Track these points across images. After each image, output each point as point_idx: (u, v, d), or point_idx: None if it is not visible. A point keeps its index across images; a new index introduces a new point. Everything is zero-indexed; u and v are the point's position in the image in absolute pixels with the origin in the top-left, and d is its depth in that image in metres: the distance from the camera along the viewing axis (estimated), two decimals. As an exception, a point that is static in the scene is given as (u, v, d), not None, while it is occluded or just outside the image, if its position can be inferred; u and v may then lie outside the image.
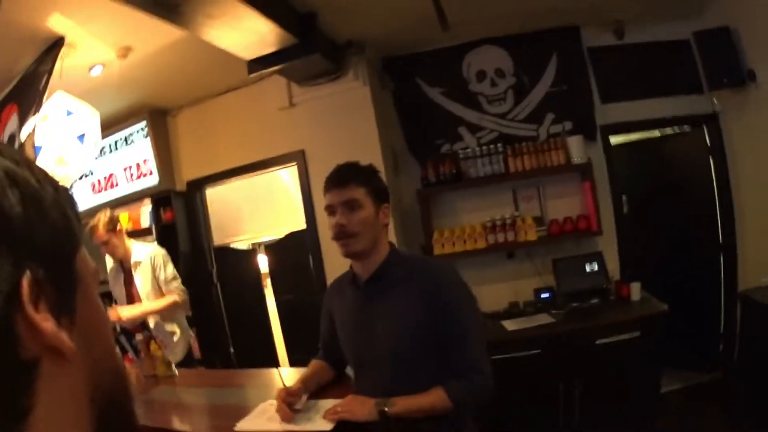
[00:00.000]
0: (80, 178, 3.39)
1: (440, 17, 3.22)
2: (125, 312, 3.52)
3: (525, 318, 3.91)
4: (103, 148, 5.27)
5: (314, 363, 2.22)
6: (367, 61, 4.09)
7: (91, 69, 3.68)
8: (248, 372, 3.05)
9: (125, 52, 3.52)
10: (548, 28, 4.23)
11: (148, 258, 3.68)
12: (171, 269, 3.74)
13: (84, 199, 5.63)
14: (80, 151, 3.13)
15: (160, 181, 5.08)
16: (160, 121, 5.16)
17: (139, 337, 3.19)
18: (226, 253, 5.48)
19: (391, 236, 3.95)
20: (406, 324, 1.75)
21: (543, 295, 4.11)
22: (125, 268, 3.73)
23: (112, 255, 3.70)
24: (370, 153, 3.92)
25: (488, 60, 4.33)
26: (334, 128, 4.27)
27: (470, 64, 4.35)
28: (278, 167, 4.75)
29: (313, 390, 2.07)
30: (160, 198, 5.25)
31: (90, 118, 3.21)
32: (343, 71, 4.04)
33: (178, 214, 5.22)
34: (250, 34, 3.10)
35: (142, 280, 3.66)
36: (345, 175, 1.83)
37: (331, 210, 1.81)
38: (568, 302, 3.96)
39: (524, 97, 4.31)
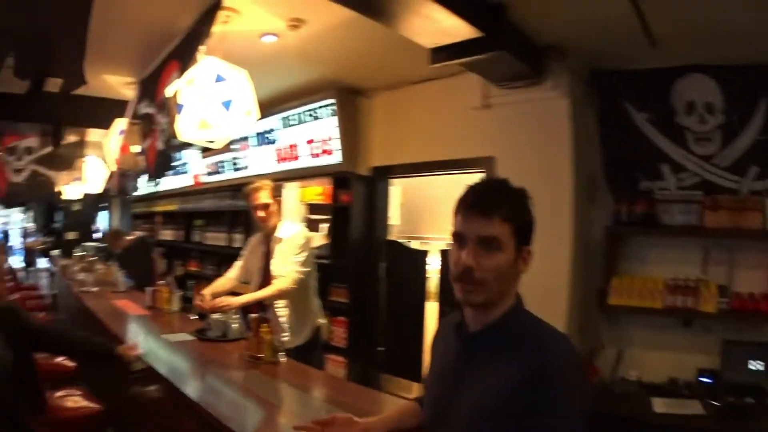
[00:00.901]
0: (231, 143, 3.38)
1: (644, 28, 2.96)
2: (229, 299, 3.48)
3: (677, 400, 3.44)
4: (288, 117, 5.45)
5: (406, 403, 2.00)
6: (568, 70, 3.69)
7: (262, 37, 3.74)
8: (360, 389, 2.81)
9: (297, 23, 3.51)
10: (763, 63, 3.42)
11: (291, 237, 3.60)
12: (303, 256, 3.55)
13: (267, 165, 5.93)
14: (225, 117, 3.12)
15: (342, 161, 5.08)
16: (349, 100, 5.13)
17: (253, 315, 3.17)
18: (397, 249, 5.37)
19: (567, 272, 3.69)
20: (487, 410, 1.36)
21: (704, 379, 3.54)
22: (268, 240, 3.69)
23: (264, 223, 3.63)
24: (561, 173, 3.71)
25: (698, 90, 3.65)
26: (526, 138, 3.95)
27: (680, 92, 3.69)
28: (466, 170, 4.45)
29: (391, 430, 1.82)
30: (340, 178, 5.27)
31: (241, 86, 3.18)
32: (542, 77, 3.73)
33: (356, 199, 5.19)
34: (427, 21, 2.93)
35: (280, 258, 3.59)
36: (491, 202, 1.40)
37: (459, 240, 1.41)
38: (727, 394, 3.34)
39: (732, 140, 3.59)
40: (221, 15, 3.28)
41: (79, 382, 3.64)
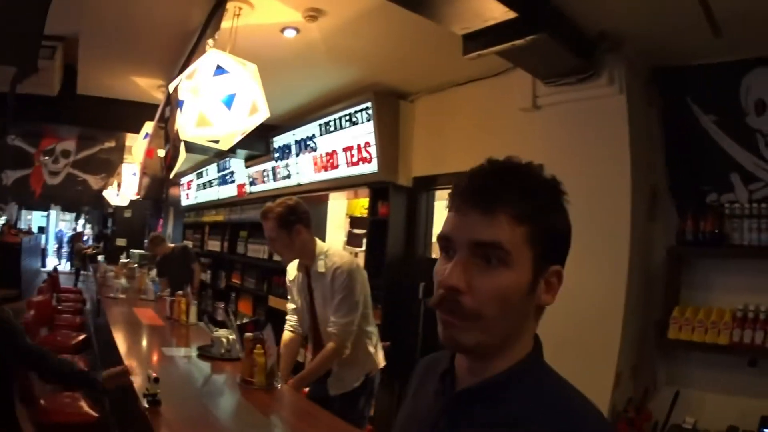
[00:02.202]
0: (233, 141, 3.20)
1: (706, 13, 2.62)
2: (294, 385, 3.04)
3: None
4: (328, 122, 5.29)
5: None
6: (625, 62, 3.30)
7: (282, 30, 3.61)
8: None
9: (314, 14, 3.34)
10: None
11: (329, 271, 3.01)
12: (351, 298, 2.96)
13: (307, 174, 5.78)
14: (226, 114, 2.95)
15: (379, 170, 4.83)
16: (388, 103, 4.87)
17: (248, 335, 2.94)
18: (438, 268, 5.08)
19: (622, 301, 3.29)
20: None
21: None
22: (308, 272, 3.14)
23: (281, 256, 3.18)
24: (618, 184, 3.29)
25: (768, 87, 3.25)
26: (579, 144, 3.56)
27: (749, 89, 3.25)
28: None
29: None
30: (377, 189, 5.03)
31: (246, 81, 3.00)
32: (596, 72, 3.32)
33: (395, 212, 4.92)
34: (454, 1, 2.69)
35: (321, 298, 3.08)
36: (494, 191, 0.92)
37: (446, 246, 0.95)
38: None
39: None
40: (232, 8, 3.17)
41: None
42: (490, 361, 0.95)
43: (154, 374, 2.40)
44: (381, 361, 3.22)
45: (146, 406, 2.35)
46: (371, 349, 3.15)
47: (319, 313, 3.07)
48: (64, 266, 18.38)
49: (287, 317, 3.32)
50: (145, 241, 13.47)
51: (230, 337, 3.37)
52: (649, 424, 3.30)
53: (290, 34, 3.65)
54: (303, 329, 3.25)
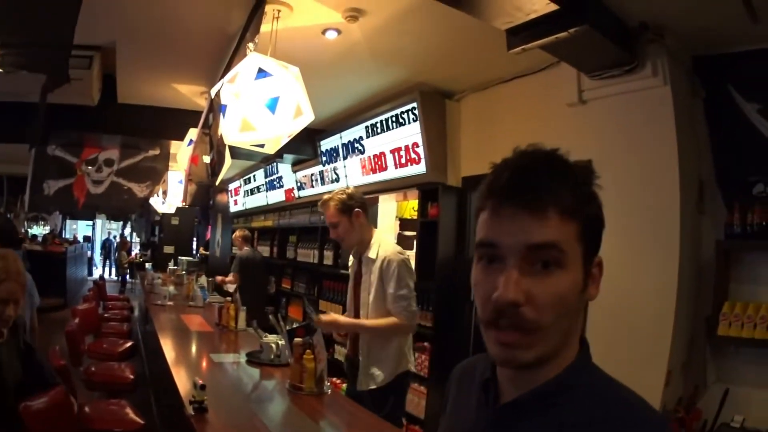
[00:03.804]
0: (279, 145, 3.26)
1: (744, 1, 2.59)
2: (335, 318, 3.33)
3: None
4: (374, 124, 5.33)
5: None
6: (668, 52, 3.27)
7: (324, 32, 3.66)
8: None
9: (354, 14, 3.38)
10: None
11: (379, 259, 3.22)
12: (405, 282, 3.16)
13: (355, 177, 5.83)
14: (270, 117, 3.01)
15: (427, 171, 4.86)
16: (434, 103, 4.89)
17: (298, 340, 2.99)
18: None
19: (674, 297, 3.26)
20: None
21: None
22: (360, 261, 3.38)
23: (341, 242, 3.43)
24: (666, 177, 3.24)
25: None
26: (625, 137, 3.54)
27: None
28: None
29: None
30: (427, 190, 5.06)
31: (289, 84, 3.05)
32: (639, 63, 3.32)
33: (444, 213, 4.94)
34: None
35: (367, 285, 3.30)
36: (542, 185, 0.86)
37: (490, 253, 0.88)
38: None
39: None
40: (271, 11, 3.24)
41: (133, 396, 3.71)
42: (540, 369, 0.90)
43: (200, 381, 2.44)
44: (412, 362, 3.34)
45: (191, 413, 2.40)
46: (404, 348, 3.25)
47: (362, 297, 3.28)
48: (112, 275, 18.97)
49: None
50: (194, 247, 13.89)
51: (279, 342, 3.42)
52: (699, 423, 3.25)
53: (332, 35, 3.70)
54: (348, 313, 3.48)
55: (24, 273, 2.45)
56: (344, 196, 3.23)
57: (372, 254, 3.24)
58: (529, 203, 0.84)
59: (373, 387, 3.16)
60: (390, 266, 3.15)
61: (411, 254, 5.48)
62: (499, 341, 0.86)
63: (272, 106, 3.00)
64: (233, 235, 8.25)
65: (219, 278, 7.39)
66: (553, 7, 2.71)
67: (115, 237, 23.44)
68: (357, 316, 3.32)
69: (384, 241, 3.34)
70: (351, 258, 3.52)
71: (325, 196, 3.29)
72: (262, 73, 2.99)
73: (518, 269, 0.84)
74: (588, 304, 0.96)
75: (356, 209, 3.23)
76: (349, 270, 3.53)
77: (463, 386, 1.13)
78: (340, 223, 3.23)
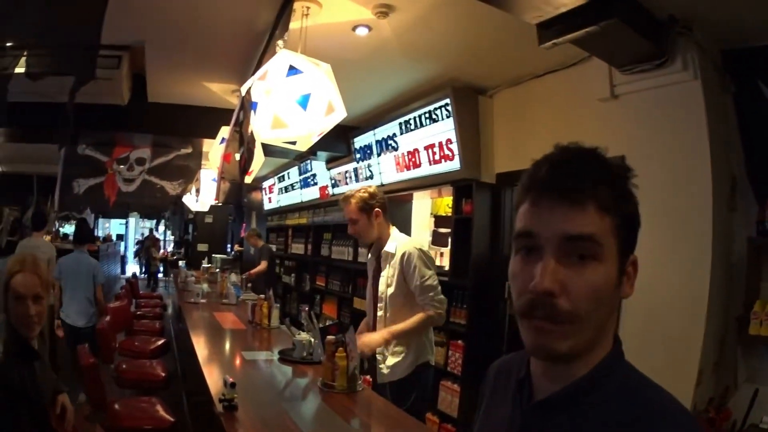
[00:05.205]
0: (311, 142, 3.31)
1: None
2: (366, 342, 3.24)
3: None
4: (407, 121, 5.35)
5: None
6: (697, 46, 3.25)
7: (354, 29, 3.69)
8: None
9: (384, 10, 3.40)
10: None
11: (399, 253, 3.34)
12: (428, 273, 3.26)
13: (389, 174, 5.86)
14: (301, 114, 3.04)
15: (461, 168, 4.87)
16: (467, 99, 4.91)
17: (330, 338, 3.01)
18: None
19: (706, 296, 3.22)
20: None
21: None
22: (378, 257, 3.50)
23: (358, 238, 3.57)
24: (698, 173, 3.23)
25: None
26: (656, 133, 3.54)
27: None
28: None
29: None
30: (461, 186, 5.07)
31: (320, 80, 3.09)
32: (669, 57, 3.31)
33: (478, 209, 4.95)
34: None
35: (386, 278, 3.40)
36: (582, 178, 0.89)
37: (527, 244, 0.92)
38: None
39: None
40: (300, 8, 3.28)
41: (164, 394, 3.77)
42: (573, 365, 0.92)
43: (231, 379, 2.47)
44: (433, 354, 3.42)
45: (221, 411, 2.43)
46: (424, 340, 3.35)
47: (380, 291, 3.41)
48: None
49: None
50: (228, 245, 14.08)
51: (312, 340, 3.47)
52: (728, 423, 3.21)
53: (362, 32, 3.74)
54: (367, 312, 3.60)
55: (43, 266, 2.38)
56: (366, 194, 3.35)
57: (390, 248, 3.38)
58: (568, 195, 0.88)
59: (394, 379, 3.26)
60: (411, 260, 3.27)
61: (446, 251, 5.52)
62: (532, 328, 0.89)
63: (303, 102, 3.04)
64: (245, 236, 8.56)
65: (251, 272, 7.55)
66: (582, 0, 2.73)
67: (143, 234, 23.80)
68: (374, 313, 3.43)
69: (401, 237, 3.47)
70: (369, 256, 3.66)
71: (347, 193, 3.44)
72: (293, 70, 3.03)
73: (555, 259, 0.87)
74: (621, 304, 0.97)
75: (376, 209, 3.36)
76: (368, 269, 3.66)
77: (499, 384, 1.16)
78: (359, 221, 3.36)
